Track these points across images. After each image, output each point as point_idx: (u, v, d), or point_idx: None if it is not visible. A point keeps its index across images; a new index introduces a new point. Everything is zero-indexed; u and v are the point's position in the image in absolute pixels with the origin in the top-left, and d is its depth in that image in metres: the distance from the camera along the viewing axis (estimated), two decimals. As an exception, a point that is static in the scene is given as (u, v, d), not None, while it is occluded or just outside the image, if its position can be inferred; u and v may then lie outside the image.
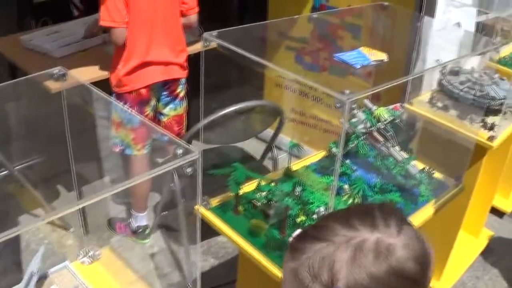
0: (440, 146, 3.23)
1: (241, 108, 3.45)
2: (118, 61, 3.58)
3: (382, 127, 2.70)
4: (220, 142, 3.82)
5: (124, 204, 4.32)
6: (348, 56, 2.55)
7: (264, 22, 2.77)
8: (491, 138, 3.32)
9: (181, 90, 3.90)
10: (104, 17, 3.40)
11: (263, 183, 2.57)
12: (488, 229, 4.51)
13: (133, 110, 3.63)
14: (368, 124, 2.68)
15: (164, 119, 3.93)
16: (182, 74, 3.84)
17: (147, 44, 3.57)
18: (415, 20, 3.46)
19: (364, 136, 2.72)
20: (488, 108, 3.41)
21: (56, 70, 2.04)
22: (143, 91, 3.64)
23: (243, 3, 7.99)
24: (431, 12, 3.63)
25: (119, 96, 3.64)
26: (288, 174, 2.72)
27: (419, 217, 2.66)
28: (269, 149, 3.94)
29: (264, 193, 2.50)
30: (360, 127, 2.71)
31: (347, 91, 1.85)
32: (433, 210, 2.74)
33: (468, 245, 4.26)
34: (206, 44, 2.24)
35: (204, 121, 3.22)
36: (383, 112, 2.71)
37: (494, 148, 3.34)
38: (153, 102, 3.77)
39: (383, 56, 2.65)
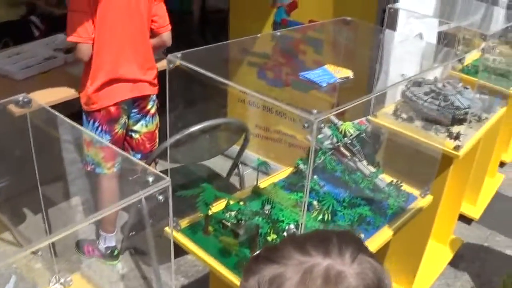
0: (407, 158, 3.25)
1: (207, 126, 3.44)
2: (86, 78, 3.56)
3: (349, 142, 2.71)
4: (187, 161, 3.80)
5: (92, 224, 4.27)
6: (313, 74, 2.56)
7: (228, 41, 2.78)
8: (457, 148, 3.34)
9: (151, 107, 3.88)
10: (71, 32, 3.41)
11: (231, 202, 2.56)
12: (457, 236, 4.55)
13: (102, 128, 3.62)
14: (335, 140, 2.69)
15: (135, 136, 3.90)
16: (152, 90, 3.82)
17: (115, 61, 3.56)
18: (377, 33, 3.48)
19: (331, 152, 2.73)
20: (453, 118, 3.43)
21: (20, 97, 2.02)
22: (112, 108, 3.62)
23: (204, 19, 8.02)
24: (393, 25, 3.65)
25: (89, 114, 3.62)
26: (257, 192, 2.72)
27: (388, 230, 2.67)
28: (235, 166, 3.93)
29: (233, 213, 2.48)
30: (327, 142, 2.72)
31: (315, 111, 1.85)
32: (402, 221, 2.75)
33: (438, 253, 4.29)
34: (170, 66, 2.22)
35: (170, 140, 3.20)
36: (349, 127, 2.73)
37: (460, 157, 3.37)
38: (123, 120, 3.75)
39: (348, 73, 2.67)
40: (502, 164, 5.74)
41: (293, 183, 2.83)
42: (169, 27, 3.84)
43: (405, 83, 3.54)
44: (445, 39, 4.39)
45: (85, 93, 3.59)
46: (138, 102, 3.78)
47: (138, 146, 3.93)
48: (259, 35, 3.48)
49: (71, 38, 3.43)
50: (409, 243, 3.38)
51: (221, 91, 4.97)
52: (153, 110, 3.90)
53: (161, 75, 3.86)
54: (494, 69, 4.39)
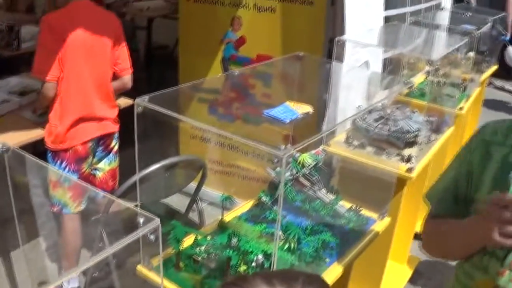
0: (363, 183, 3.34)
1: (167, 164, 3.50)
2: (54, 117, 3.64)
3: (307, 172, 2.81)
4: (146, 199, 3.83)
5: (55, 265, 4.26)
6: (276, 112, 2.65)
7: (193, 82, 2.87)
8: (409, 170, 3.47)
9: (115, 144, 4.00)
10: (37, 69, 3.51)
11: (199, 237, 2.64)
12: (414, 255, 4.68)
13: (70, 168, 3.68)
14: (294, 171, 2.79)
15: (99, 174, 3.99)
16: (115, 128, 3.95)
17: (84, 100, 3.67)
18: (328, 66, 3.60)
19: (291, 183, 2.83)
20: (404, 142, 3.56)
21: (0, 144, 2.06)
22: (80, 147, 3.71)
23: (150, 55, 8.13)
24: (341, 56, 3.79)
25: (56, 154, 3.68)
26: (222, 226, 2.79)
27: (351, 254, 2.76)
28: (193, 202, 3.98)
29: (203, 247, 2.56)
30: (287, 174, 2.82)
31: (282, 146, 1.96)
32: (364, 244, 2.86)
33: (397, 272, 4.41)
34: (138, 110, 2.30)
35: (133, 179, 3.25)
36: (306, 158, 2.83)
37: (413, 178, 3.50)
38: (90, 159, 3.84)
39: (308, 109, 2.77)
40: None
41: (256, 215, 2.91)
42: (130, 70, 3.98)
43: (356, 111, 3.66)
44: (391, 64, 4.55)
45: (52, 132, 3.66)
46: (104, 140, 3.90)
47: (101, 185, 4.00)
48: (220, 75, 3.56)
49: (38, 75, 3.54)
50: (369, 264, 3.49)
51: (178, 130, 5.04)
52: (116, 148, 4.02)
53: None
54: (440, 90, 4.55)
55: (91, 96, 3.73)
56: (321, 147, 3.07)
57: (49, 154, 3.70)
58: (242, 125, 4.15)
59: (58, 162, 3.68)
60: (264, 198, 2.91)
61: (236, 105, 4.29)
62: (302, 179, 2.81)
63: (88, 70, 3.66)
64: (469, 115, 5.62)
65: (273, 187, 2.92)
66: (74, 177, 3.73)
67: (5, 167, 2.15)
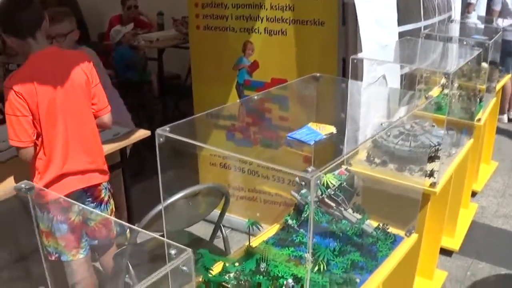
0: (389, 200, 3.32)
1: (190, 192, 3.48)
2: (34, 173, 3.60)
3: (332, 192, 2.79)
4: (170, 229, 3.81)
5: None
6: (300, 134, 2.64)
7: (209, 111, 2.84)
8: (433, 185, 3.46)
9: (105, 195, 3.90)
10: (12, 136, 3.43)
11: (228, 264, 2.62)
12: (440, 269, 4.65)
13: (57, 219, 3.61)
14: (319, 192, 2.77)
15: (91, 224, 3.85)
16: (103, 178, 3.84)
17: (63, 156, 3.58)
18: (345, 85, 3.59)
19: (317, 204, 2.81)
20: (426, 156, 3.55)
21: (23, 184, 2.07)
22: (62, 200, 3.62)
23: (162, 86, 8.18)
24: (357, 74, 3.79)
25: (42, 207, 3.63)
26: (250, 252, 2.77)
27: (381, 273, 2.75)
28: (217, 229, 3.95)
29: (232, 274, 2.54)
30: (312, 196, 2.81)
31: (309, 169, 1.95)
32: (393, 262, 2.84)
33: (424, 288, 4.37)
34: (160, 140, 2.30)
35: (157, 209, 3.23)
36: (331, 178, 2.81)
37: (437, 193, 3.48)
38: (76, 207, 3.75)
39: (332, 129, 2.76)
40: (473, 194, 5.90)
41: (282, 239, 2.91)
42: (109, 108, 3.86)
43: (375, 129, 3.65)
44: (406, 80, 4.55)
45: None
46: (91, 192, 3.80)
47: (93, 234, 3.89)
48: (238, 101, 3.55)
49: (13, 143, 3.46)
50: (398, 281, 3.45)
51: (197, 158, 5.05)
52: (106, 198, 3.92)
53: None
54: (456, 103, 4.54)
55: (72, 150, 3.63)
56: (344, 167, 3.05)
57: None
58: (261, 150, 4.14)
59: (45, 213, 3.53)
60: (290, 222, 2.91)
61: (254, 130, 4.27)
62: (327, 200, 2.79)
63: (65, 124, 3.56)
64: (486, 126, 5.60)
65: (298, 210, 2.91)
66: (63, 228, 3.65)
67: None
